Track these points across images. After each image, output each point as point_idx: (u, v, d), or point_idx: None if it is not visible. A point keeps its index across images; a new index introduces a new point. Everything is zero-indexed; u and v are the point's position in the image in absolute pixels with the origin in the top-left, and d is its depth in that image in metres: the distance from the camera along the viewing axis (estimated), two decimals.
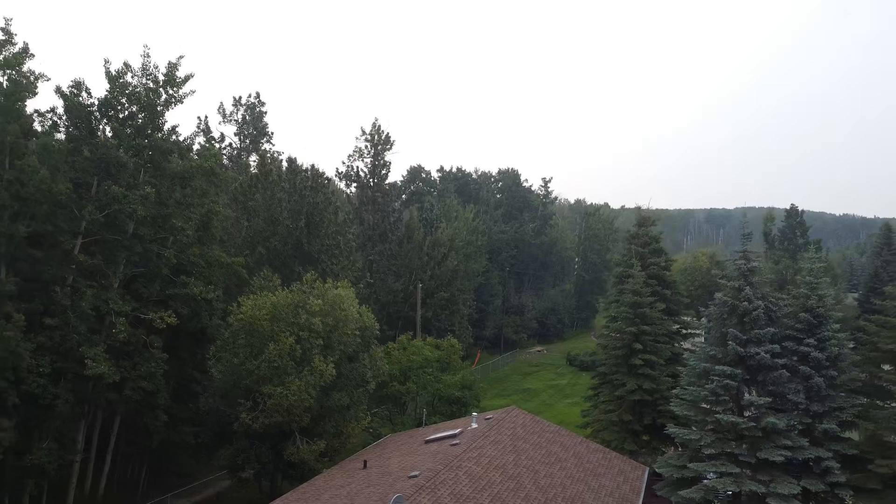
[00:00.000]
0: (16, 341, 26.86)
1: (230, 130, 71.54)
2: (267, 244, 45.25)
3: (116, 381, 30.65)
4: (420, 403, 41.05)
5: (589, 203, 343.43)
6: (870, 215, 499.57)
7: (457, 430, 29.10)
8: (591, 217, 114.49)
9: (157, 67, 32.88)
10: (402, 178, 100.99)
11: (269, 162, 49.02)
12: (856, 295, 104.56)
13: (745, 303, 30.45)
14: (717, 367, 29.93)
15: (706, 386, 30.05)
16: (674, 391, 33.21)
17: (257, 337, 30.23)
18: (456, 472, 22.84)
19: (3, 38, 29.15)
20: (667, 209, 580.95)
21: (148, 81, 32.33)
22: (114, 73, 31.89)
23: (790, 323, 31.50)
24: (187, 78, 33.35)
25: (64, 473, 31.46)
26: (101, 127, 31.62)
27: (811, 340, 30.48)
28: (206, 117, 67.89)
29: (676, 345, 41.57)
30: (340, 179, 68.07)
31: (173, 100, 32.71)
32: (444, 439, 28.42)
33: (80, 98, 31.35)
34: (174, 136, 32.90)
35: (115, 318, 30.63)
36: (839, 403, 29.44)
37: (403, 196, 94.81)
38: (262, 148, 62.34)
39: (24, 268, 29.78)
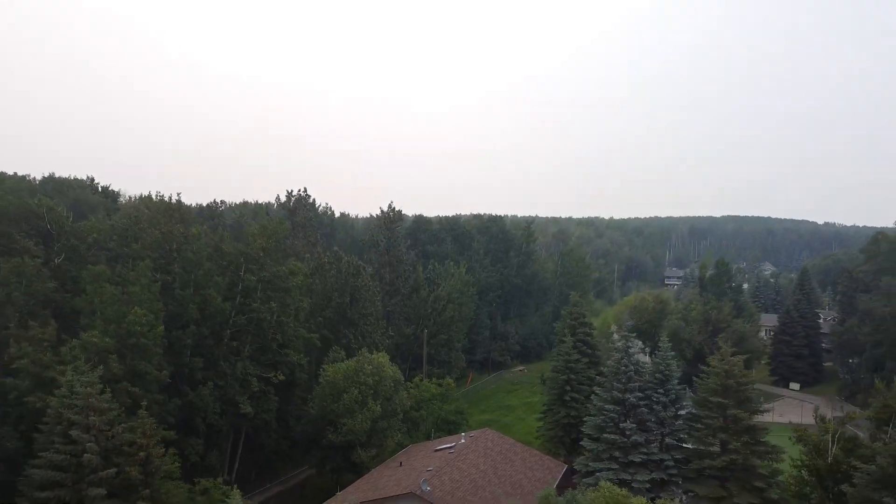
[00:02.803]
0: (207, 396, 48.64)
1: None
2: (323, 314, 67.06)
3: (251, 415, 52.44)
4: (429, 424, 62.67)
5: (570, 217, 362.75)
6: (859, 223, 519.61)
7: (452, 444, 51.01)
8: (566, 256, 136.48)
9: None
10: (410, 221, 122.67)
11: (325, 259, 70.63)
12: (775, 316, 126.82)
13: (623, 367, 52.40)
14: (606, 406, 51.89)
15: (601, 416, 52.03)
16: (586, 418, 55.14)
17: (336, 389, 52.04)
18: (451, 468, 44.79)
19: None
20: (657, 216, 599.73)
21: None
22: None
23: (649, 379, 53.42)
24: (286, 230, 55.22)
25: (220, 469, 53.20)
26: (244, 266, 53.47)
27: (661, 390, 52.49)
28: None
29: (596, 382, 63.32)
30: (366, 246, 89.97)
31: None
32: (445, 448, 50.29)
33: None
34: (286, 267, 54.83)
35: (251, 378, 52.39)
36: (676, 427, 51.38)
37: (409, 243, 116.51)
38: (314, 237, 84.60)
39: (203, 351, 51.55)
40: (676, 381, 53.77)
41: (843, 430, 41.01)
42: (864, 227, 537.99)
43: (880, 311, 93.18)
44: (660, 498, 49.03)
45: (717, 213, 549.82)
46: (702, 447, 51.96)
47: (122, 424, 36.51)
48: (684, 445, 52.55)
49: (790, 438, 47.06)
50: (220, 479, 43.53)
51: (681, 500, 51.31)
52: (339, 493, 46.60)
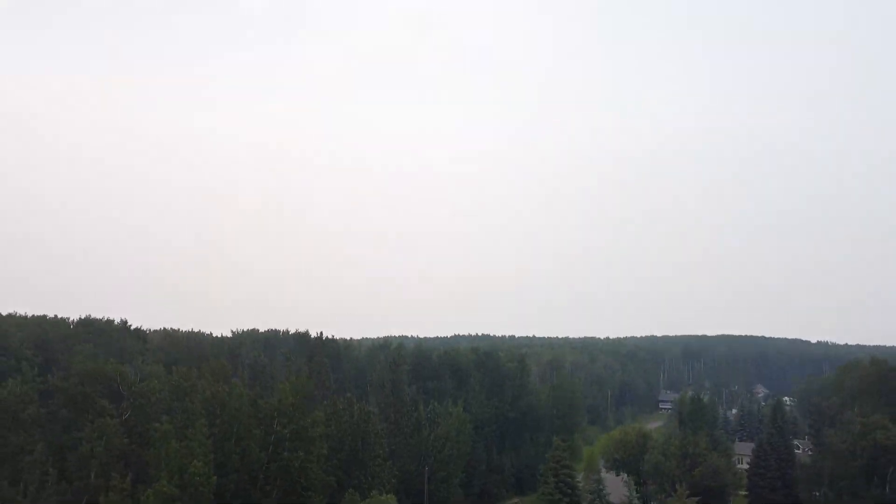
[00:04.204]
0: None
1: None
2: (338, 456, 76.90)
3: None
4: None
5: (567, 337, 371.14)
6: (851, 342, 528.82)
7: None
8: (557, 389, 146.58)
9: None
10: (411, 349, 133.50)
11: (339, 405, 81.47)
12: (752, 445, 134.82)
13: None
14: None
15: None
16: None
17: None
18: None
19: None
20: (653, 335, 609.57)
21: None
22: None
23: None
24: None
25: None
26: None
27: None
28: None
29: None
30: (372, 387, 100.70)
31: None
32: None
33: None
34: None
35: None
36: None
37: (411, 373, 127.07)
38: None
39: (241, 494, 61.31)
40: None
41: None
42: (858, 345, 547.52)
43: (838, 446, 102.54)
44: None
45: (711, 332, 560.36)
46: None
47: None
48: None
49: None
50: None
51: None
52: None
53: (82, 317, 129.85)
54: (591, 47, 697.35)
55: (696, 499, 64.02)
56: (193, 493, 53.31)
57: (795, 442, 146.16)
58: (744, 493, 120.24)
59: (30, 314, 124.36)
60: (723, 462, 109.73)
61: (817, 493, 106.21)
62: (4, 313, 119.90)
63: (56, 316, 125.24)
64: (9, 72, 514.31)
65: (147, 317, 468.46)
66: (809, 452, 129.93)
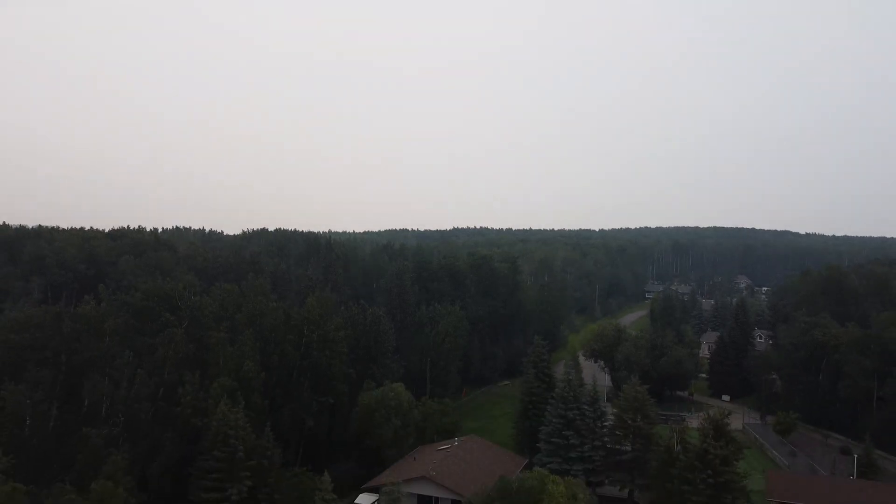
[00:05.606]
0: (286, 416, 73.75)
1: None
2: (356, 352, 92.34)
3: (313, 427, 77.54)
4: (431, 431, 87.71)
5: (563, 229, 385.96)
6: (839, 233, 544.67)
7: (449, 445, 76.39)
8: (546, 288, 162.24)
9: None
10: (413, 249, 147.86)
11: (355, 311, 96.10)
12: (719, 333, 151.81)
13: (566, 393, 77.73)
14: (554, 419, 77.31)
15: (551, 426, 77.38)
16: (541, 428, 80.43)
17: (370, 410, 77.22)
18: (449, 461, 70.55)
19: None
20: (646, 227, 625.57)
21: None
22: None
23: (584, 400, 78.74)
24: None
25: (293, 464, 78.30)
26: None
27: (589, 408, 77.97)
28: None
29: (549, 402, 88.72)
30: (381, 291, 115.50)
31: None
32: (444, 448, 75.66)
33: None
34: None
35: (312, 402, 77.45)
36: (601, 433, 76.77)
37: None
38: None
39: (280, 385, 76.63)
40: (602, 402, 79.39)
41: (683, 432, 66.13)
42: (845, 236, 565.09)
43: (786, 340, 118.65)
44: (591, 481, 74.70)
45: (703, 224, 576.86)
46: (617, 447, 77.61)
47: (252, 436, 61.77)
48: (607, 446, 77.97)
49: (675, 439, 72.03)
50: (304, 469, 68.59)
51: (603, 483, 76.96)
52: (374, 479, 71.64)
53: (115, 227, 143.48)
54: None
55: (647, 386, 79.21)
56: (247, 386, 68.51)
57: (760, 332, 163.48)
58: (704, 376, 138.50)
59: (66, 226, 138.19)
60: (685, 353, 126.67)
61: (766, 378, 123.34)
62: (47, 226, 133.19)
63: (92, 228, 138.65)
64: None
65: (161, 218, 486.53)
66: (771, 342, 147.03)
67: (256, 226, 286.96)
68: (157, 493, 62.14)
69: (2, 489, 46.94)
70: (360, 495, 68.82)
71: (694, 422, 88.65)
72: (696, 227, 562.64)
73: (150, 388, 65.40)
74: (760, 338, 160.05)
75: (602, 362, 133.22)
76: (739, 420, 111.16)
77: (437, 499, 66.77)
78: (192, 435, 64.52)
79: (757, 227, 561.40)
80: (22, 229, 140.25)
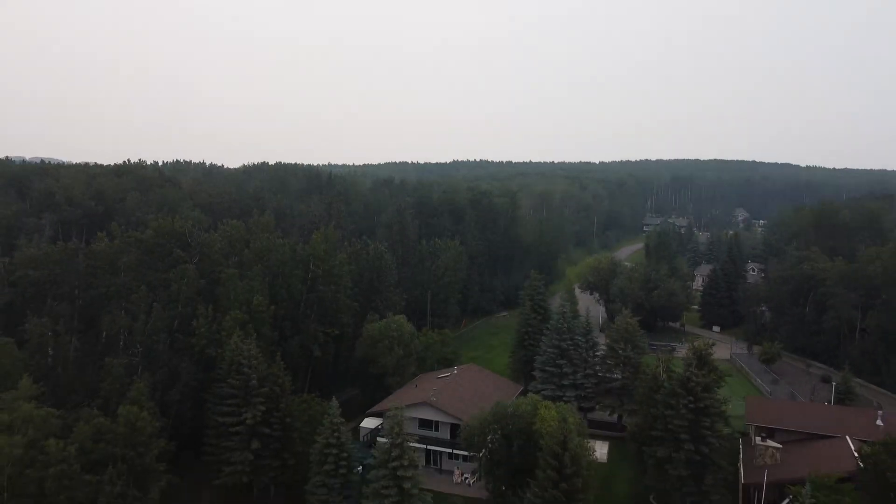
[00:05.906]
0: (294, 346, 77.92)
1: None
2: (359, 286, 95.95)
3: (319, 356, 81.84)
4: (432, 360, 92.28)
5: (563, 162, 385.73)
6: (839, 166, 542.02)
7: (448, 373, 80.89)
8: (544, 222, 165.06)
9: None
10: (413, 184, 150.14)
11: (358, 247, 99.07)
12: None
13: (560, 325, 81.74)
14: (549, 349, 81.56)
15: (545, 356, 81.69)
16: (536, 357, 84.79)
17: (374, 340, 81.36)
18: (448, 388, 75.13)
19: None
20: (647, 159, 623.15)
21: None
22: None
23: (577, 331, 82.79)
24: None
25: (301, 391, 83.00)
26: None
27: (582, 339, 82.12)
28: None
29: (544, 333, 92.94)
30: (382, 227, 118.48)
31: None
32: (444, 377, 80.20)
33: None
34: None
35: (318, 333, 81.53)
36: (593, 362, 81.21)
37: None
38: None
39: (288, 317, 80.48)
40: (596, 333, 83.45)
41: (669, 361, 70.21)
42: (845, 169, 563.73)
43: (775, 273, 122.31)
44: (582, 407, 79.37)
45: (704, 157, 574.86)
46: (608, 375, 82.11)
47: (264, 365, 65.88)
48: (598, 374, 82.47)
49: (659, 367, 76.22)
50: (313, 395, 73.14)
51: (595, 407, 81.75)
52: (378, 405, 76.40)
53: (119, 163, 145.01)
54: None
55: (639, 317, 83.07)
56: (257, 318, 72.23)
57: (753, 265, 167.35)
58: (696, 308, 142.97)
59: (72, 161, 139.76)
60: (678, 285, 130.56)
61: (755, 311, 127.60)
62: (49, 160, 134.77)
63: (96, 163, 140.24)
64: None
65: (162, 152, 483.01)
66: (763, 275, 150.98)
67: (257, 160, 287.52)
68: (177, 418, 66.67)
69: (36, 413, 50.91)
70: (366, 419, 73.70)
71: (682, 352, 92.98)
72: (697, 160, 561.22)
73: (165, 320, 69.15)
74: (753, 271, 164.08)
75: (597, 294, 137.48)
76: (727, 350, 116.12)
77: (437, 422, 71.61)
78: (207, 364, 68.65)
79: (758, 160, 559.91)
80: (27, 165, 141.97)
